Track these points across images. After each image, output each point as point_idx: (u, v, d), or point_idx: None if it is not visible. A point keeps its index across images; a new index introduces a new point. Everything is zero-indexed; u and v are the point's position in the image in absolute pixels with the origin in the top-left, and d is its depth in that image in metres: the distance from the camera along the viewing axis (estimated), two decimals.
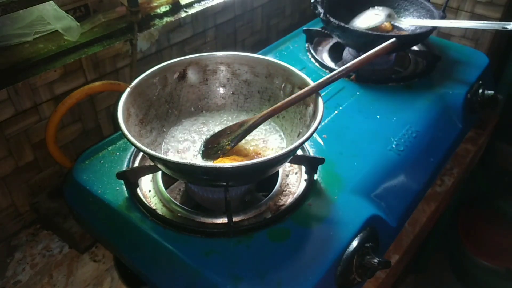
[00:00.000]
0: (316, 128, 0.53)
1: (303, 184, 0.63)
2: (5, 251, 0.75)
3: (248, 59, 0.68)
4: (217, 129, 0.66)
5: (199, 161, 0.61)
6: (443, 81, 0.90)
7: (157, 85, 0.65)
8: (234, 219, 0.58)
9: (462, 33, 1.21)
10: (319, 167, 0.64)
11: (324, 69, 0.91)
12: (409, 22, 0.94)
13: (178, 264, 0.55)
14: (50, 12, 0.74)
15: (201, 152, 0.62)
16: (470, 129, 0.99)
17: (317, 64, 0.93)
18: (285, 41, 1.01)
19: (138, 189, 0.63)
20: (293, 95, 0.59)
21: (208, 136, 0.64)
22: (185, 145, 0.64)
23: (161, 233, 0.57)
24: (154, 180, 0.66)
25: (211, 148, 0.61)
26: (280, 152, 0.51)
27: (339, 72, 0.59)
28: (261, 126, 0.67)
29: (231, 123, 0.68)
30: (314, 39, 1.01)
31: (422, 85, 0.88)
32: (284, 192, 0.63)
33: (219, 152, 0.60)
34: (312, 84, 0.59)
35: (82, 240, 0.74)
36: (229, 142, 0.59)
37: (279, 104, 0.59)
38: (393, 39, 0.61)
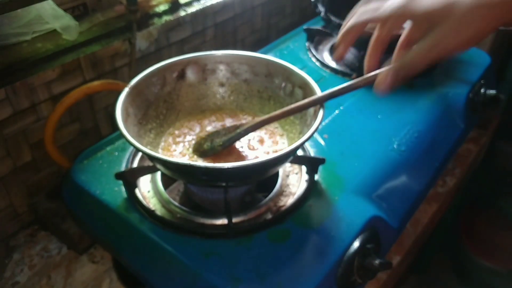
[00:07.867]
0: (317, 127, 0.52)
1: (303, 185, 0.63)
2: (3, 252, 0.75)
3: (248, 58, 0.67)
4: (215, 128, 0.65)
5: (198, 161, 0.60)
6: (445, 81, 0.89)
7: (156, 85, 0.64)
8: (234, 220, 0.57)
9: None
10: (320, 167, 0.64)
11: (324, 68, 0.91)
12: None
13: (177, 265, 0.54)
14: (48, 11, 0.74)
15: (192, 147, 0.62)
16: (472, 129, 0.99)
17: (317, 63, 0.92)
18: (285, 40, 1.00)
19: (137, 190, 0.62)
20: (296, 104, 0.57)
21: (203, 135, 0.63)
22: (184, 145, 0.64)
23: (160, 234, 0.57)
24: (153, 181, 0.65)
25: (203, 144, 0.60)
26: (280, 152, 0.51)
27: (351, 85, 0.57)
28: None
29: (230, 122, 0.67)
30: (315, 38, 1.00)
31: (423, 85, 0.87)
32: (284, 193, 0.63)
33: (209, 151, 0.59)
34: (318, 94, 0.57)
35: (81, 241, 0.74)
36: (221, 143, 0.59)
37: (278, 112, 0.57)
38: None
